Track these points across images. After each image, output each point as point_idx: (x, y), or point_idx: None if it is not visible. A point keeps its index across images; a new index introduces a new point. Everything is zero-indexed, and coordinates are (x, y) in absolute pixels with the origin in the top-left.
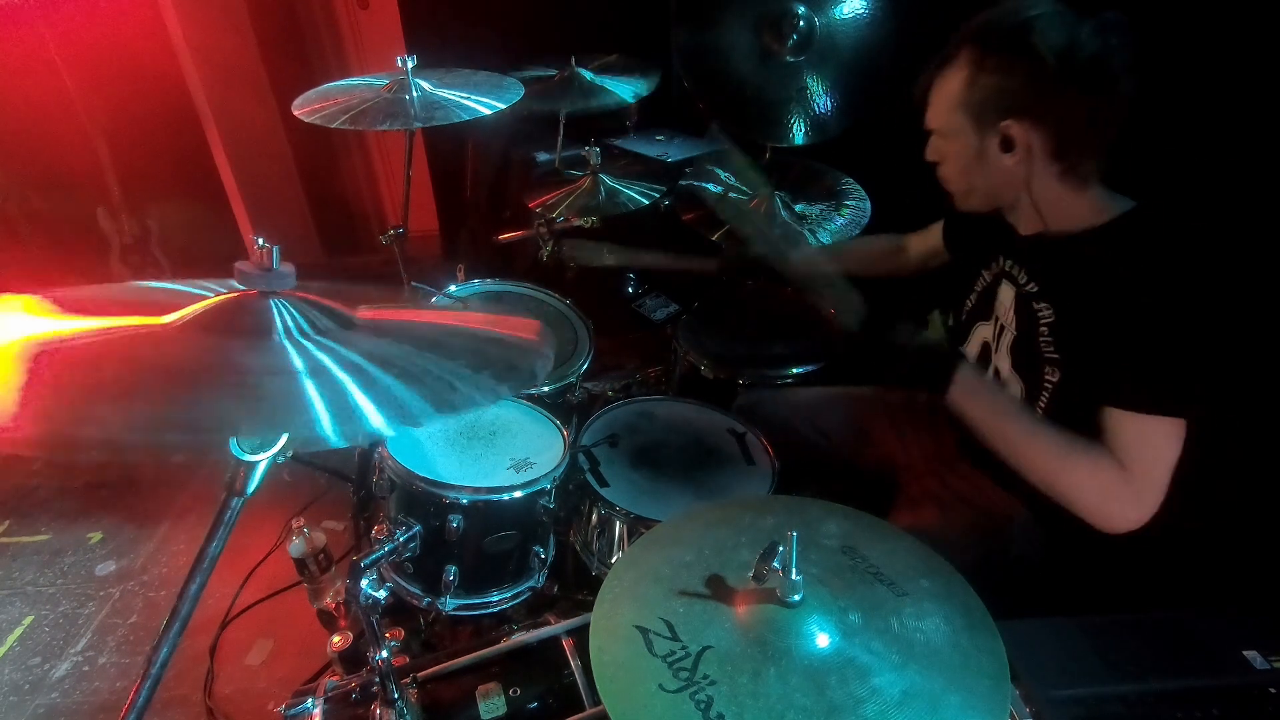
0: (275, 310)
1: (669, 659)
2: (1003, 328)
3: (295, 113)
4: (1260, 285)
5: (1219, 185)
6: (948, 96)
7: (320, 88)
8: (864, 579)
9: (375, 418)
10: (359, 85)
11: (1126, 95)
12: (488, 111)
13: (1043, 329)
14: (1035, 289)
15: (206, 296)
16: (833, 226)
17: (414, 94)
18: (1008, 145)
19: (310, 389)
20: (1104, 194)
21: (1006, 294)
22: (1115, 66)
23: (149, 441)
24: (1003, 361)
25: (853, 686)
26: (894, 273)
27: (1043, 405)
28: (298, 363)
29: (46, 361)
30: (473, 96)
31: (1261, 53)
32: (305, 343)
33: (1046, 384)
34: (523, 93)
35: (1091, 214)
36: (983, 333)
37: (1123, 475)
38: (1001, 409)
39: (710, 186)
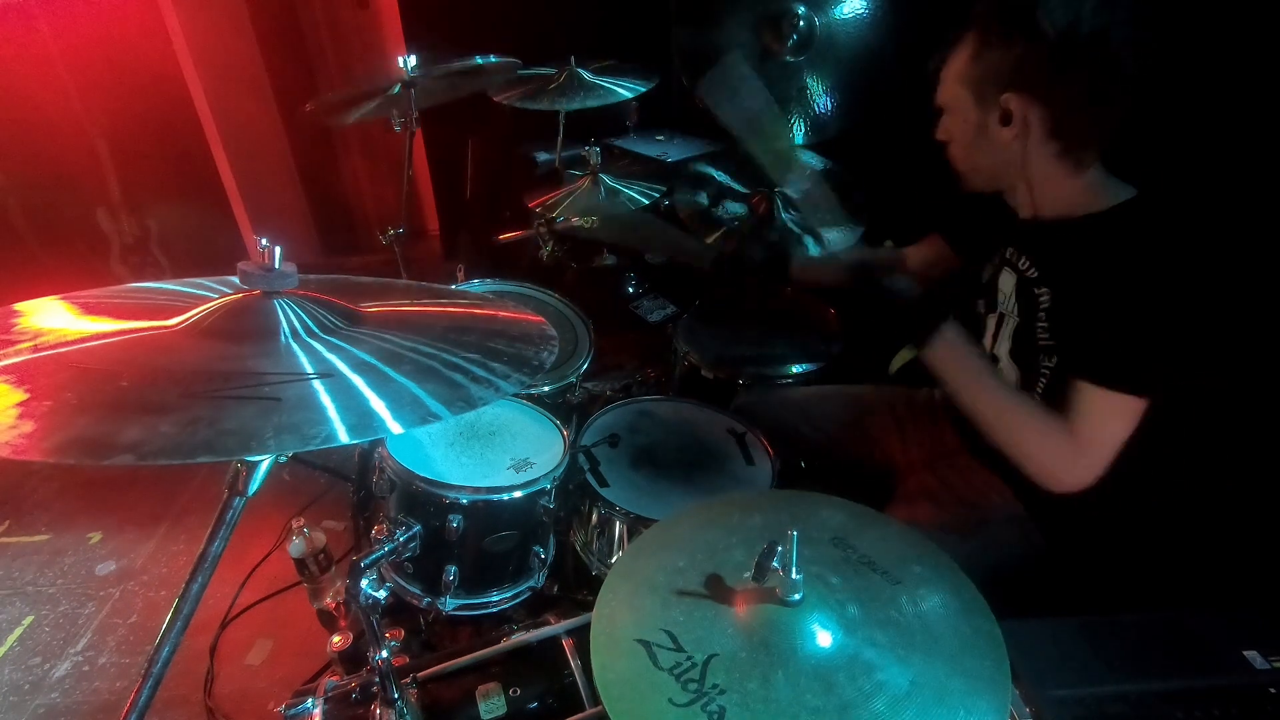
0: (281, 311)
1: (675, 671)
2: (1003, 315)
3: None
4: (1255, 281)
5: (1220, 177)
6: (954, 72)
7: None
8: (857, 570)
9: (392, 423)
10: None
11: (1129, 75)
12: (482, 61)
13: (1041, 314)
14: (1035, 274)
15: (209, 298)
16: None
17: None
18: (1007, 119)
19: (324, 394)
20: (1104, 180)
21: (1007, 281)
22: (1116, 44)
23: (176, 459)
24: (1001, 348)
25: (861, 682)
26: None
27: (1040, 391)
28: (308, 366)
29: (65, 371)
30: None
31: (1266, 47)
32: (314, 344)
33: (1044, 369)
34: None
35: (1089, 200)
36: (991, 324)
37: (1069, 441)
38: (974, 369)
39: (701, 198)
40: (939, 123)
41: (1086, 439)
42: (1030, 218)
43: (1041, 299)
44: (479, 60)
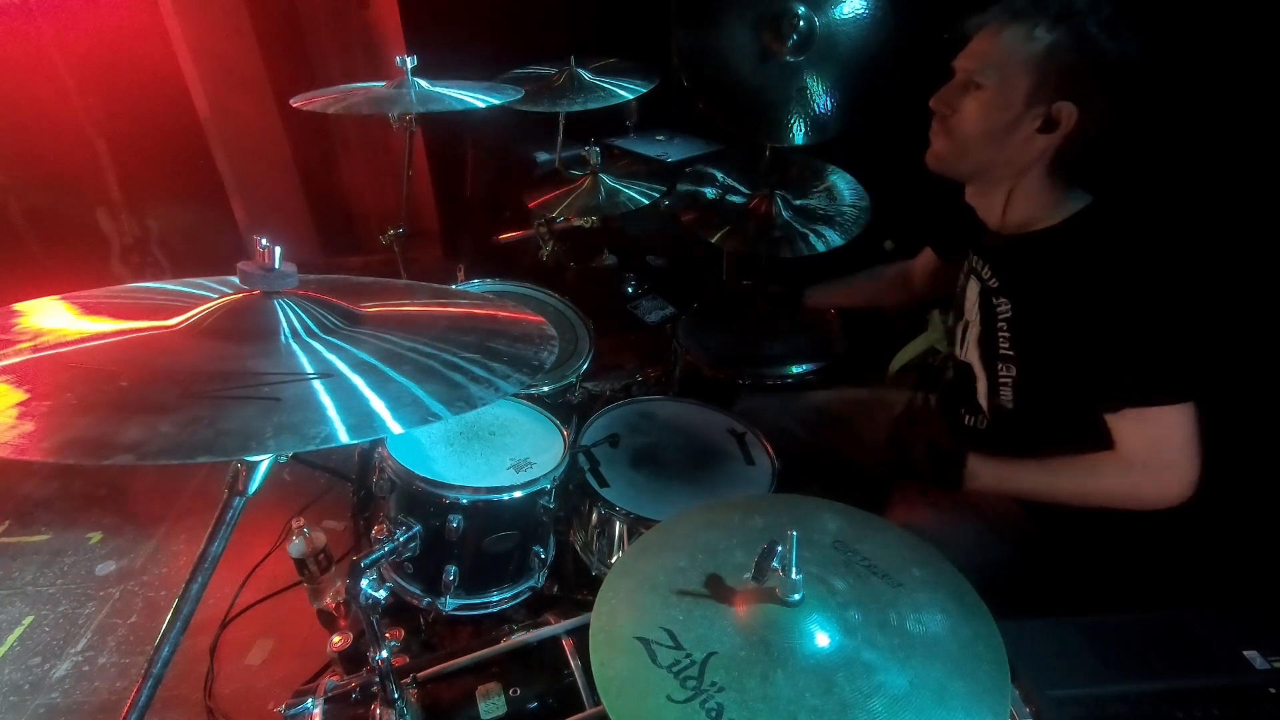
0: (280, 311)
1: (674, 669)
2: (968, 323)
3: (293, 104)
4: (1217, 274)
5: (1173, 178)
6: (1020, 54)
7: (320, 90)
8: (858, 573)
9: (392, 423)
10: (359, 87)
11: (1143, 107)
12: (483, 105)
13: (1000, 324)
14: (996, 284)
15: (209, 298)
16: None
17: (412, 89)
18: (1049, 125)
19: (324, 394)
20: (1065, 192)
21: (973, 289)
22: (1147, 87)
23: (176, 459)
24: (972, 355)
25: (860, 682)
26: (907, 299)
27: (1005, 399)
28: (308, 366)
29: (65, 371)
30: (471, 92)
31: (1218, 48)
32: (314, 344)
33: (1004, 379)
34: (521, 95)
35: (1048, 212)
36: (958, 332)
37: (1134, 469)
38: (1013, 478)
39: (708, 191)
40: (943, 90)
41: (1147, 459)
42: (996, 226)
43: (1000, 309)
44: (482, 104)
